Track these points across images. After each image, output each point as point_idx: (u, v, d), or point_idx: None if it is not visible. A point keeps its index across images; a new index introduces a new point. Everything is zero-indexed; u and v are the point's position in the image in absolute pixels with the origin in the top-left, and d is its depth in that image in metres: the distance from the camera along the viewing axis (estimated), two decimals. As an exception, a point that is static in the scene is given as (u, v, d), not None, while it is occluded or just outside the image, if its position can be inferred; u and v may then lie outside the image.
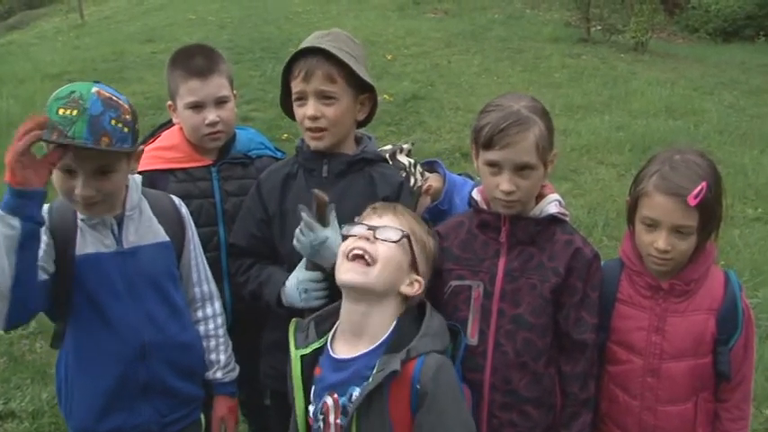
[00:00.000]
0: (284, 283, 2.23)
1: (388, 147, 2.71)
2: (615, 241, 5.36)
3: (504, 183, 2.05)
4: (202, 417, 2.33)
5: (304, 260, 2.20)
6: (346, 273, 1.85)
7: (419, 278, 1.91)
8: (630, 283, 2.17)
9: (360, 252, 1.84)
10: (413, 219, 1.99)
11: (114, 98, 1.96)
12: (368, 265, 1.83)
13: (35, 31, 15.84)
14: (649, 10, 12.74)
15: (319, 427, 1.86)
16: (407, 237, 1.88)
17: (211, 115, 2.51)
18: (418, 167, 2.70)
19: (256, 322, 2.43)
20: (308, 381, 1.90)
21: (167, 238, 2.19)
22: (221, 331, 2.35)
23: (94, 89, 1.92)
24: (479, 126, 2.08)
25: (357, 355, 1.84)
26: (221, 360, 2.33)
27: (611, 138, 7.80)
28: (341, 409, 1.81)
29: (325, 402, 1.83)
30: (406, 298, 1.92)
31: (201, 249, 2.34)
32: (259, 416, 2.58)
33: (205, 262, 2.35)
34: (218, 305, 2.36)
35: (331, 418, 1.82)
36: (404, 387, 1.74)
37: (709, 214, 2.01)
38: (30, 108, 7.51)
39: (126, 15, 15.41)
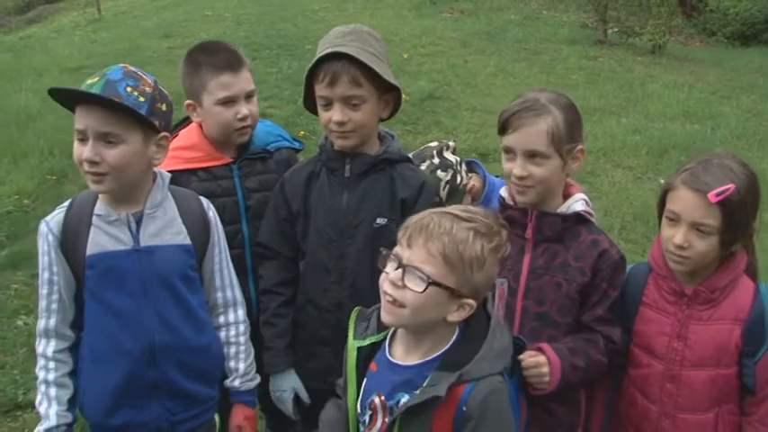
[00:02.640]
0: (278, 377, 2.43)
1: (435, 144, 2.73)
2: (631, 244, 5.35)
3: (517, 168, 2.08)
4: (217, 417, 2.31)
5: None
6: (383, 312, 1.79)
7: (468, 301, 1.74)
8: (656, 287, 2.16)
9: (389, 299, 1.75)
10: (451, 240, 1.71)
11: (139, 73, 2.02)
12: (400, 306, 1.73)
13: (53, 25, 15.93)
14: (667, 12, 12.73)
15: (365, 420, 1.85)
16: (436, 284, 1.70)
17: (244, 109, 2.50)
18: (463, 166, 2.71)
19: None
20: (361, 372, 1.87)
21: (188, 241, 2.14)
22: (243, 339, 2.32)
23: (122, 64, 2.03)
24: (501, 113, 2.13)
25: (412, 364, 1.80)
26: (240, 368, 2.30)
27: (627, 141, 7.78)
28: (388, 411, 1.79)
29: (373, 401, 1.82)
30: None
31: (228, 255, 2.31)
32: (276, 410, 2.59)
33: (231, 268, 2.32)
34: (241, 312, 2.33)
35: (379, 416, 1.80)
36: (450, 407, 1.70)
37: (733, 218, 1.98)
38: (48, 102, 7.56)
39: (142, 11, 15.45)
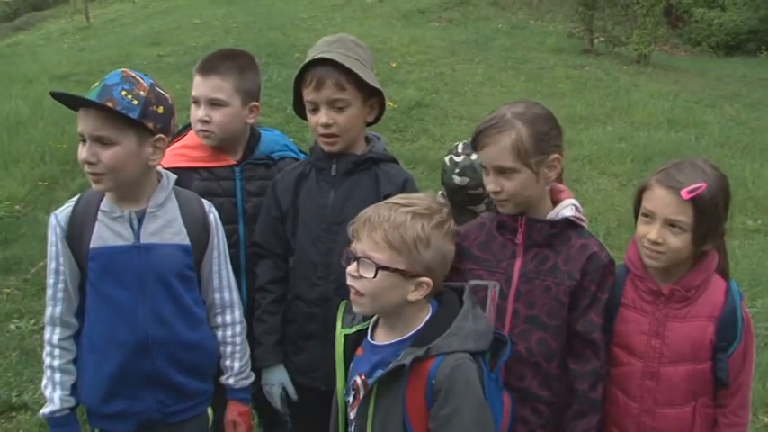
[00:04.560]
0: (268, 371, 2.50)
1: (460, 144, 2.83)
2: (616, 250, 5.39)
3: (490, 183, 2.16)
4: (210, 411, 2.38)
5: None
6: (351, 301, 1.96)
7: (424, 279, 1.88)
8: (634, 287, 2.22)
9: (352, 290, 1.92)
10: (390, 226, 1.86)
11: (137, 77, 2.10)
12: (361, 295, 1.90)
13: (41, 32, 15.92)
14: (652, 23, 12.87)
15: (348, 401, 1.97)
16: (383, 268, 1.85)
17: (200, 112, 2.58)
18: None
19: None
20: (349, 359, 2.01)
21: (187, 242, 2.23)
22: (238, 339, 2.39)
23: (122, 69, 2.13)
24: (474, 130, 2.20)
25: (388, 342, 1.93)
26: (235, 367, 2.38)
27: (612, 148, 7.89)
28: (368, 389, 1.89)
29: (355, 381, 1.94)
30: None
31: (227, 258, 2.38)
32: (268, 407, 2.64)
33: (230, 270, 2.39)
34: (237, 314, 2.40)
35: (361, 394, 1.92)
36: (421, 380, 1.81)
37: (705, 216, 2.06)
38: (38, 109, 7.60)
39: (131, 18, 15.47)
